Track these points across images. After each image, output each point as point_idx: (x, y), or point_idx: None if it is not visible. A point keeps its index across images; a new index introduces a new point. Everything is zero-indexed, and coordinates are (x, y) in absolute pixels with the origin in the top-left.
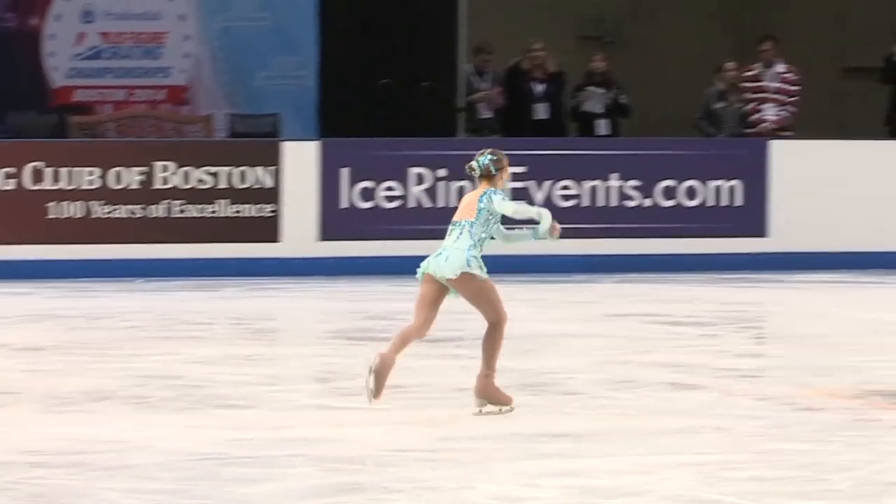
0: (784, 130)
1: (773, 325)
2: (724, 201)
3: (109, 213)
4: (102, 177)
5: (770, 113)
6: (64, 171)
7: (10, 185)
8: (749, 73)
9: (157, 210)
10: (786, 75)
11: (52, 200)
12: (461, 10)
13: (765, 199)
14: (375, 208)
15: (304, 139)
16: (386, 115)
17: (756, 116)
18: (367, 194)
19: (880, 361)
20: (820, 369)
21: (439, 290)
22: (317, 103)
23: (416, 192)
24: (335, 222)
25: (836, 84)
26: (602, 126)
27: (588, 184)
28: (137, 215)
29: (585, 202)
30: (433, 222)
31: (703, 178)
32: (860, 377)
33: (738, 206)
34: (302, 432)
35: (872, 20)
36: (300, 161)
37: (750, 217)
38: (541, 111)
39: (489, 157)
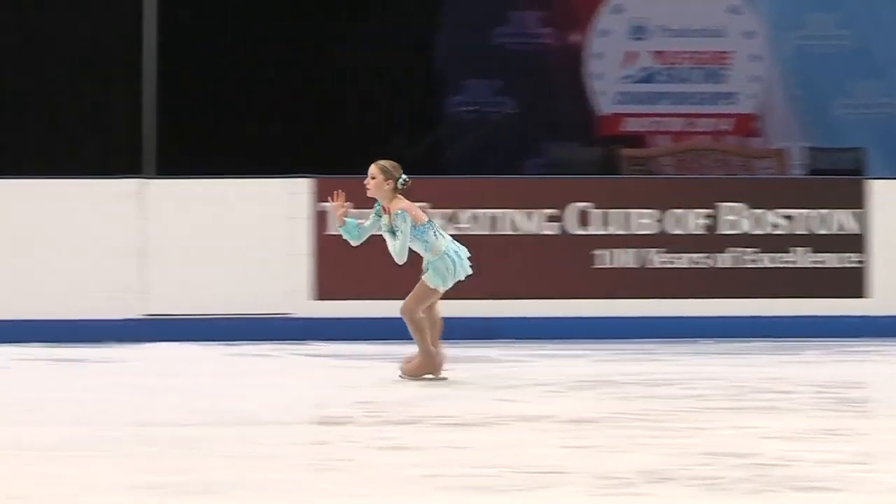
0: None
1: None
2: None
3: (668, 262)
4: (660, 220)
5: None
6: (614, 213)
7: (552, 228)
8: None
9: (724, 259)
10: None
11: (600, 247)
12: None
13: None
14: None
15: (894, 178)
16: None
17: None
18: None
19: None
20: None
21: None
22: None
23: None
24: None
25: None
26: None
27: None
28: (701, 265)
29: None
30: None
31: None
32: None
33: None
34: None
35: None
36: (890, 202)
37: None
38: None
39: None
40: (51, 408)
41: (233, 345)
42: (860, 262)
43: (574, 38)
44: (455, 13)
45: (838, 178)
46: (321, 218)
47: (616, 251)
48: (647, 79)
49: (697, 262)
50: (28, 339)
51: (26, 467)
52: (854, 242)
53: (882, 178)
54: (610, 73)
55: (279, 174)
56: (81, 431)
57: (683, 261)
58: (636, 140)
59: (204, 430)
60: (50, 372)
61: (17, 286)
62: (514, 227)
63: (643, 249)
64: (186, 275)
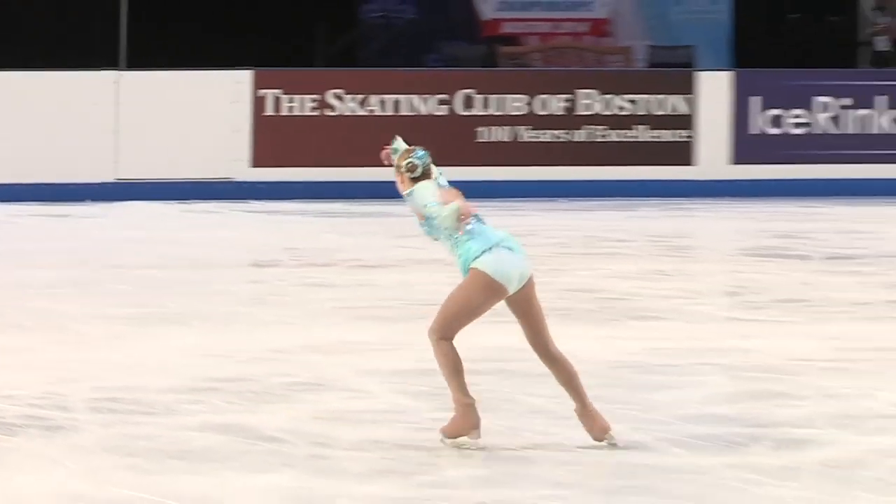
0: None
1: None
2: None
3: (535, 137)
4: (529, 104)
5: None
6: (493, 98)
7: (443, 110)
8: None
9: (580, 135)
10: None
11: (481, 125)
12: None
13: None
14: (784, 134)
15: (718, 69)
16: (789, 48)
17: None
18: (777, 121)
19: None
20: None
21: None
22: (729, 36)
23: (822, 119)
24: (746, 147)
25: None
26: None
27: None
28: (561, 139)
29: None
30: (837, 148)
31: None
32: None
33: None
34: (713, 343)
35: None
36: (714, 90)
37: None
38: None
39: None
40: (44, 254)
41: (187, 202)
42: (688, 137)
43: None
44: None
45: (673, 70)
46: (259, 103)
47: (493, 128)
48: None
49: (558, 137)
50: (21, 199)
51: (28, 302)
52: (685, 121)
53: (708, 70)
54: None
55: (227, 67)
56: (69, 273)
57: (547, 136)
58: (513, 40)
59: (164, 272)
60: (41, 225)
61: (13, 156)
62: (413, 109)
63: (516, 127)
64: (151, 147)
